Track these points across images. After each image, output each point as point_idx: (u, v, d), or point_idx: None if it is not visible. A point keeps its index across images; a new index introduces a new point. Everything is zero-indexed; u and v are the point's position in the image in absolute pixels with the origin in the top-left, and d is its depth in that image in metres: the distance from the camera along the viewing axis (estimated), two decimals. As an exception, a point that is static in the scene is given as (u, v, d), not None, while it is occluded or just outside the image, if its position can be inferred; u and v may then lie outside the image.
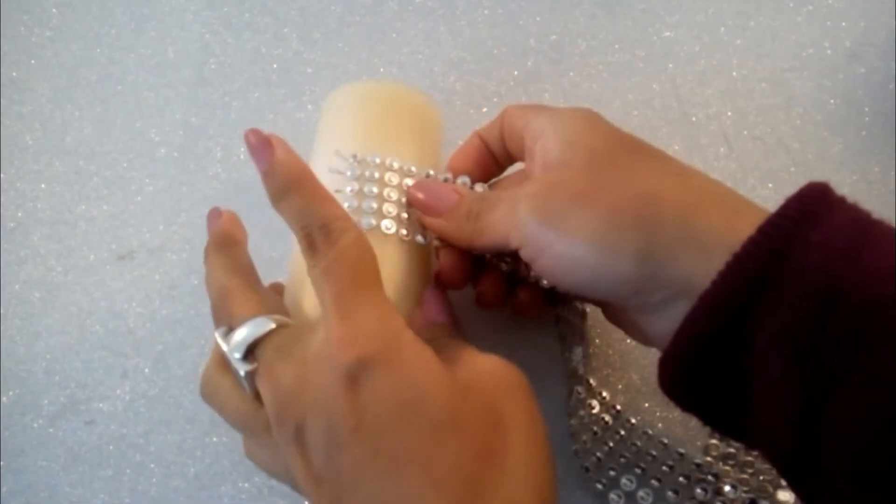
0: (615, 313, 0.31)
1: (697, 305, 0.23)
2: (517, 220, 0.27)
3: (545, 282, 0.32)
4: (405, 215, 0.32)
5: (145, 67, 0.47)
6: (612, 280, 0.25)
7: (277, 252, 0.42)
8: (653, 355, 0.39)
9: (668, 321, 0.25)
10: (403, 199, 0.33)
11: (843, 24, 0.47)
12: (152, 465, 0.37)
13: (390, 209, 0.32)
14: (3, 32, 0.48)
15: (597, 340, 0.40)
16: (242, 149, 0.45)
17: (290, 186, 0.27)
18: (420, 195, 0.32)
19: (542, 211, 0.27)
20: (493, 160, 0.35)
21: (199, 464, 0.37)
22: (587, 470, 0.34)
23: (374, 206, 0.32)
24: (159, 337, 0.40)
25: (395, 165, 0.33)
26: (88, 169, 0.44)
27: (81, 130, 0.45)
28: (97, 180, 0.44)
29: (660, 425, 0.38)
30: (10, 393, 0.39)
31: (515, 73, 0.46)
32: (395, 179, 0.33)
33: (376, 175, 0.32)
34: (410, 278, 0.32)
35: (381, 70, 0.47)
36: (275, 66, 0.47)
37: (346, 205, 0.31)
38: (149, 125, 0.45)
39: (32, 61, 0.48)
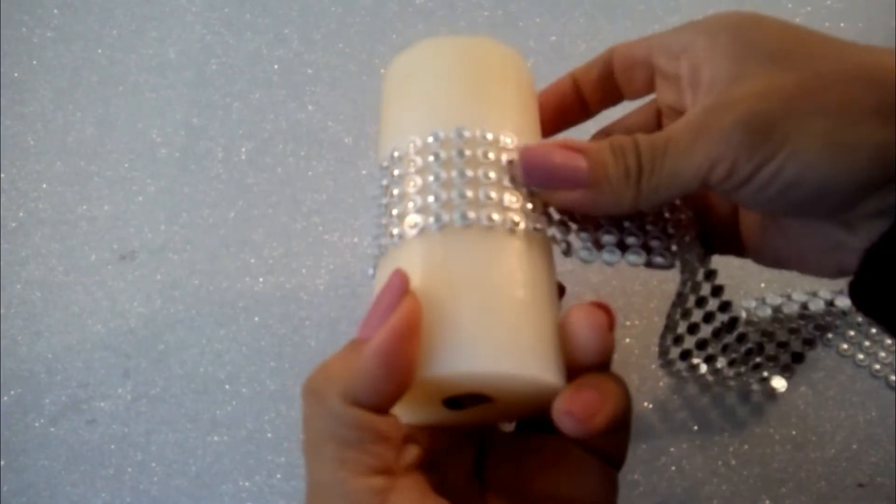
0: (803, 239, 0.26)
1: None
2: (722, 146, 0.22)
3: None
4: (515, 201, 0.24)
5: (146, 68, 0.47)
6: (846, 187, 0.21)
7: (278, 251, 0.42)
8: (652, 355, 0.39)
9: (882, 227, 0.22)
10: (506, 181, 0.25)
11: (842, 24, 0.47)
12: (154, 464, 0.37)
13: (491, 193, 0.24)
14: (4, 33, 0.48)
15: (596, 340, 0.40)
16: (244, 149, 0.45)
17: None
18: (536, 171, 0.24)
19: (756, 121, 0.22)
20: (581, 105, 0.30)
21: (200, 463, 0.37)
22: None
23: (470, 194, 0.24)
24: (160, 336, 0.40)
25: (491, 137, 0.25)
26: (90, 169, 0.44)
27: (83, 131, 0.46)
28: (98, 180, 0.44)
29: (658, 425, 0.38)
30: (12, 392, 0.39)
31: (515, 73, 0.47)
32: (497, 156, 0.25)
33: (470, 153, 0.25)
34: (542, 277, 0.25)
35: (382, 71, 0.47)
36: (276, 66, 0.47)
37: (430, 198, 0.24)
38: (150, 126, 0.46)
39: (34, 62, 0.48)
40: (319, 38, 0.48)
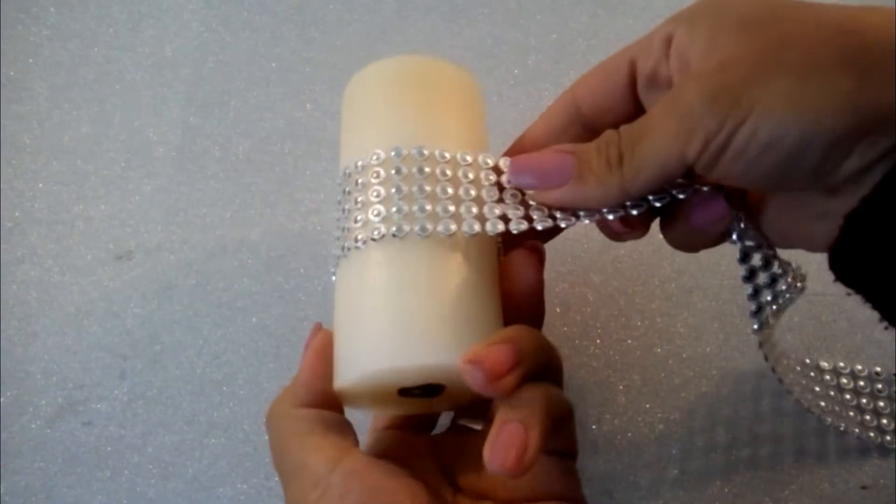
0: (794, 210, 0.25)
1: None
2: (691, 120, 0.22)
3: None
4: (471, 209, 0.26)
5: (143, 66, 0.47)
6: (820, 143, 0.21)
7: (276, 252, 0.42)
8: (653, 356, 0.39)
9: (864, 190, 0.21)
10: (462, 193, 0.26)
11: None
12: (150, 467, 0.37)
13: (449, 207, 0.26)
14: (1, 31, 0.48)
15: (598, 341, 0.39)
16: (241, 148, 0.44)
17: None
18: (528, 175, 0.26)
19: (720, 91, 0.22)
20: (583, 127, 0.29)
21: (197, 465, 0.37)
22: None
23: (429, 208, 0.26)
24: (157, 337, 0.40)
25: (447, 156, 0.27)
26: (86, 168, 0.44)
27: (79, 130, 0.45)
28: (95, 180, 0.44)
29: (661, 427, 0.38)
30: (8, 394, 0.39)
31: (516, 71, 0.46)
32: (448, 172, 0.26)
33: (426, 170, 0.26)
34: (485, 281, 0.27)
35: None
36: (273, 64, 0.47)
37: (393, 209, 0.26)
38: (147, 124, 0.45)
39: (30, 60, 0.47)
40: (317, 37, 0.48)
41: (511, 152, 0.30)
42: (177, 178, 0.44)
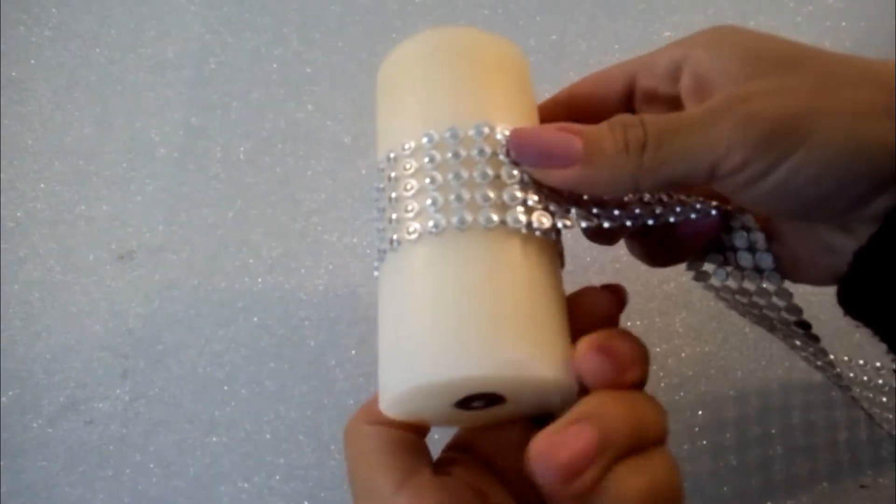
0: (802, 242, 0.25)
1: None
2: (740, 133, 0.21)
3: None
4: (533, 198, 0.23)
5: (145, 67, 0.47)
6: (862, 184, 0.21)
7: (277, 252, 0.42)
8: (652, 355, 0.39)
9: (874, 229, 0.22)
10: (504, 177, 0.23)
11: (843, 23, 0.47)
12: (152, 465, 0.37)
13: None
14: (3, 32, 0.48)
15: (597, 340, 0.40)
16: (242, 148, 0.45)
17: None
18: (526, 147, 0.23)
19: (781, 119, 0.21)
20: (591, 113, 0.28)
21: (198, 464, 0.37)
22: None
23: (467, 196, 0.23)
24: (159, 337, 0.40)
25: (487, 132, 0.24)
26: (88, 169, 0.44)
27: (81, 130, 0.45)
28: (97, 180, 0.44)
29: (660, 425, 0.38)
30: (10, 393, 0.39)
31: (515, 72, 0.46)
32: (493, 149, 0.24)
33: (465, 153, 0.23)
34: (542, 274, 0.23)
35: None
36: (275, 65, 0.47)
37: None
38: (148, 125, 0.45)
39: (32, 61, 0.48)
40: (318, 37, 0.48)
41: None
42: (179, 178, 0.44)
